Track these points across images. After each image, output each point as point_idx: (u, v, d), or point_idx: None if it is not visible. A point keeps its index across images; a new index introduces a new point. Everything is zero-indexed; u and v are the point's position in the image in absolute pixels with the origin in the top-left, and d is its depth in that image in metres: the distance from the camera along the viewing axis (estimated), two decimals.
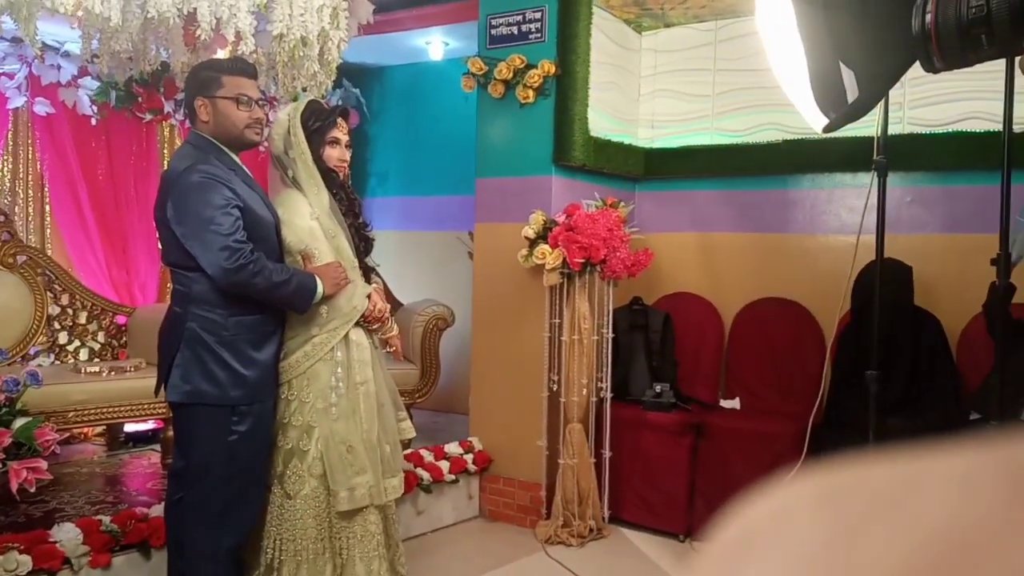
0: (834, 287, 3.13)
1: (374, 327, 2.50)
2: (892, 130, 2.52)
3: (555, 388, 3.58)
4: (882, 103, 2.41)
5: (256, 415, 2.31)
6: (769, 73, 2.73)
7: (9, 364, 3.81)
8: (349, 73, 5.19)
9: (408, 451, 3.31)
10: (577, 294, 3.48)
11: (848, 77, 2.11)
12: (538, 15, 3.63)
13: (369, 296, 2.47)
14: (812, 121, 2.39)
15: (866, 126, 2.67)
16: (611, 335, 3.63)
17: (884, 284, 2.52)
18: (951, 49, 1.59)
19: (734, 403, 3.81)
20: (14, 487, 2.29)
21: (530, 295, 3.68)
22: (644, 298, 4.03)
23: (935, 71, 1.68)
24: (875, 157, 2.48)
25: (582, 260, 3.37)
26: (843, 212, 3.75)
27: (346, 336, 2.44)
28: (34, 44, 2.86)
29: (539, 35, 3.63)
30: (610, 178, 3.97)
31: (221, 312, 2.24)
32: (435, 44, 5.06)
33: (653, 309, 4.01)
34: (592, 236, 3.33)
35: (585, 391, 3.53)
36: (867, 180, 3.35)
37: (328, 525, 2.43)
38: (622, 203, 3.64)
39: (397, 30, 4.73)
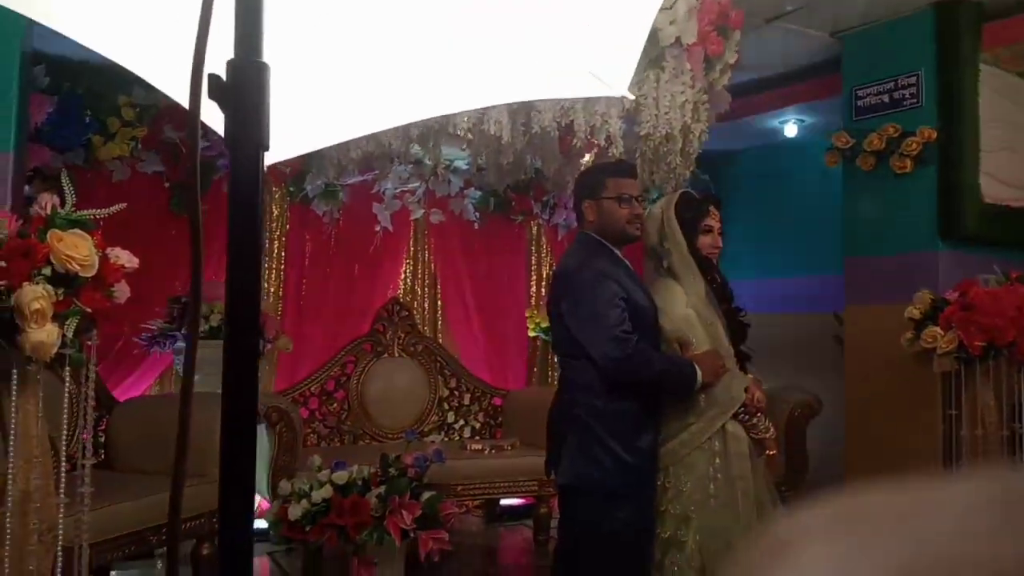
0: None
1: (753, 420, 2.42)
2: None
3: None
4: None
5: (637, 501, 2.34)
6: None
7: (409, 441, 4.35)
8: (699, 160, 5.27)
9: None
10: (979, 382, 3.05)
11: None
12: (912, 80, 3.37)
13: (747, 389, 2.41)
14: None
15: None
16: None
17: None
18: None
19: None
20: (422, 556, 2.57)
21: (916, 383, 3.30)
22: None
23: None
24: None
25: (984, 343, 2.96)
26: None
27: (722, 427, 2.39)
28: (438, 166, 3.34)
29: (914, 100, 3.37)
30: (1010, 249, 3.47)
31: (605, 399, 2.33)
32: (790, 122, 4.95)
33: None
34: (996, 316, 2.92)
35: None
36: None
37: None
38: None
39: (752, 113, 4.71)
